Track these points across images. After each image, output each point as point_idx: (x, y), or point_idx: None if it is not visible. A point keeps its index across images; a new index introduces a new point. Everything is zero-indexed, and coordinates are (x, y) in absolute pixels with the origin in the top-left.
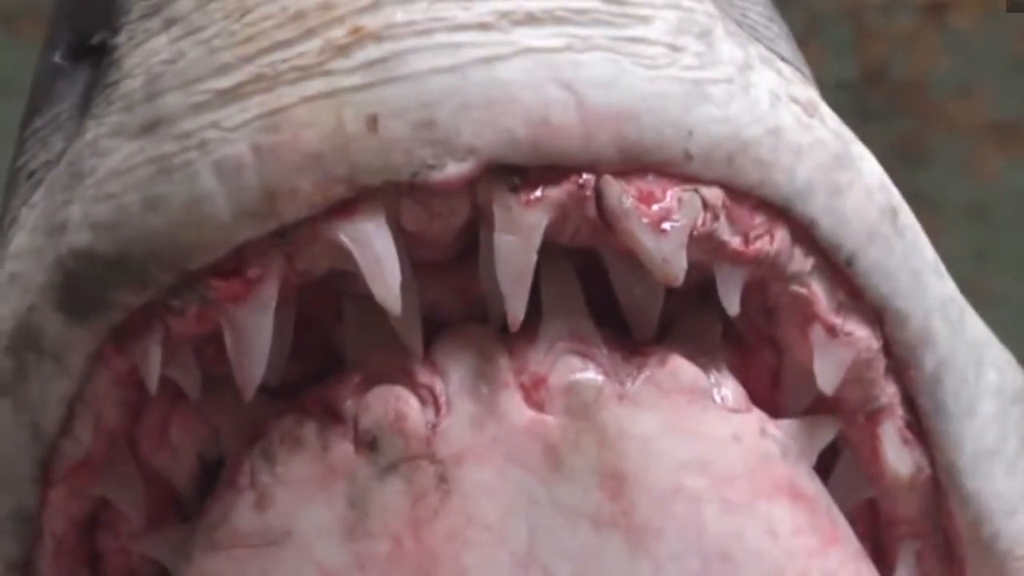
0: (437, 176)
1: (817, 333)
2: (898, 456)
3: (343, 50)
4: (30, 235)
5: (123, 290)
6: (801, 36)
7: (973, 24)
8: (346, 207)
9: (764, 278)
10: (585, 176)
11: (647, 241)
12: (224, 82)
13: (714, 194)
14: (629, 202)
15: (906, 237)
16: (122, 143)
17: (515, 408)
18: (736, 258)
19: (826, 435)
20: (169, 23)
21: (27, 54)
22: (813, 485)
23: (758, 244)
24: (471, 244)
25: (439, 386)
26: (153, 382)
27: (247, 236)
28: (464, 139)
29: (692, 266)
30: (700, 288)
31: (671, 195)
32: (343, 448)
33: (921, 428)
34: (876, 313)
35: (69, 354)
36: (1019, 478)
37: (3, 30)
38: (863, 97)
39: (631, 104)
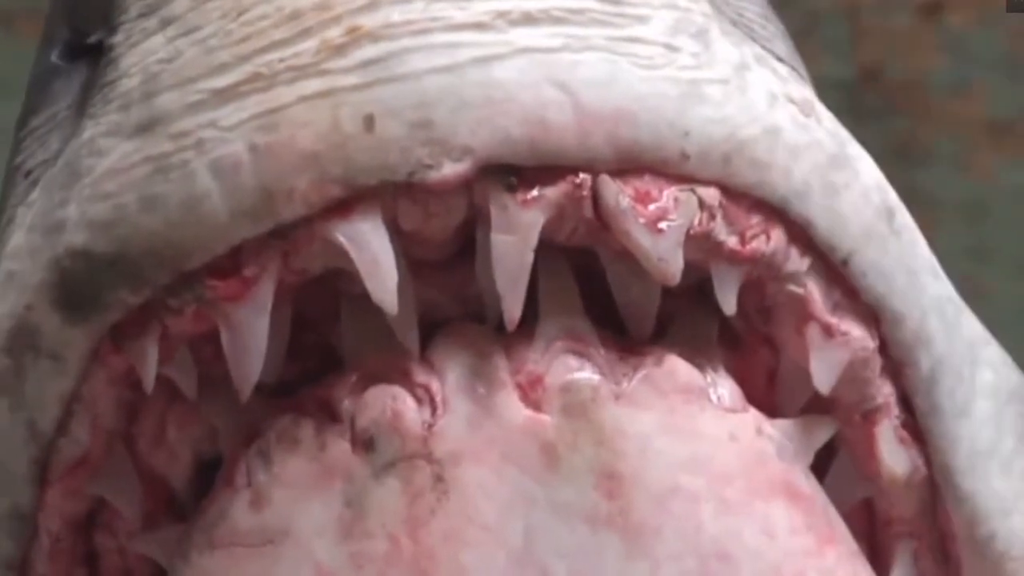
0: (434, 176)
1: (813, 333)
2: (894, 456)
3: (340, 49)
4: (27, 234)
5: (120, 289)
6: (798, 35)
7: (970, 23)
8: (343, 206)
9: (760, 278)
10: (582, 176)
11: (644, 240)
12: (221, 81)
13: (711, 194)
14: (626, 202)
15: (902, 237)
16: (119, 142)
17: (512, 407)
18: (732, 258)
19: (822, 435)
20: (166, 22)
21: (26, 53)
22: (809, 484)
23: (754, 244)
24: (468, 243)
25: (436, 385)
26: (150, 381)
27: (244, 236)
28: (461, 139)
29: (688, 266)
30: (697, 288)
31: (667, 195)
32: (340, 447)
33: (917, 428)
34: (872, 313)
35: (66, 353)
36: (1015, 478)
37: (1, 30)
38: (860, 96)
39: (627, 104)
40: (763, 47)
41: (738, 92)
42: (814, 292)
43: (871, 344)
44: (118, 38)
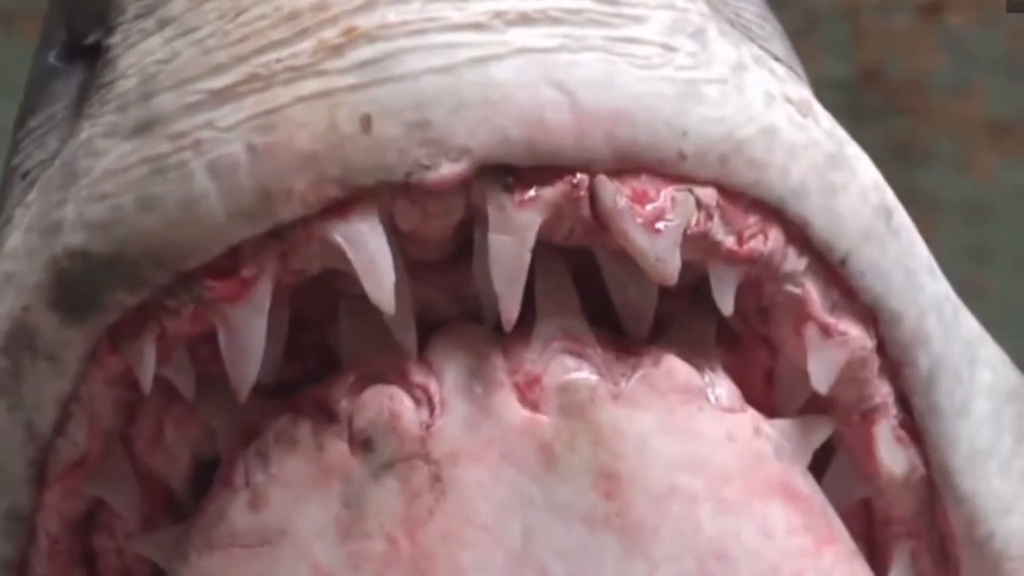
0: (431, 176)
1: (811, 333)
2: (892, 455)
3: (337, 50)
4: (25, 235)
5: (118, 290)
6: (797, 35)
7: (970, 23)
8: (340, 207)
9: (758, 278)
10: (579, 176)
11: (641, 241)
12: (218, 82)
13: (708, 194)
14: (623, 202)
15: (900, 237)
16: (116, 143)
17: (509, 408)
18: (730, 258)
19: (820, 435)
20: (163, 23)
21: (26, 53)
22: (808, 485)
23: (752, 244)
24: (466, 244)
25: (433, 386)
26: (148, 382)
27: (242, 236)
28: (458, 139)
29: (686, 266)
30: (694, 288)
31: (665, 195)
32: (338, 448)
33: (915, 427)
34: (870, 313)
35: (64, 354)
36: (1013, 478)
37: (1, 30)
38: (859, 96)
39: (625, 104)
40: (761, 47)
41: (735, 92)
42: (812, 292)
43: (869, 344)
44: (115, 39)
